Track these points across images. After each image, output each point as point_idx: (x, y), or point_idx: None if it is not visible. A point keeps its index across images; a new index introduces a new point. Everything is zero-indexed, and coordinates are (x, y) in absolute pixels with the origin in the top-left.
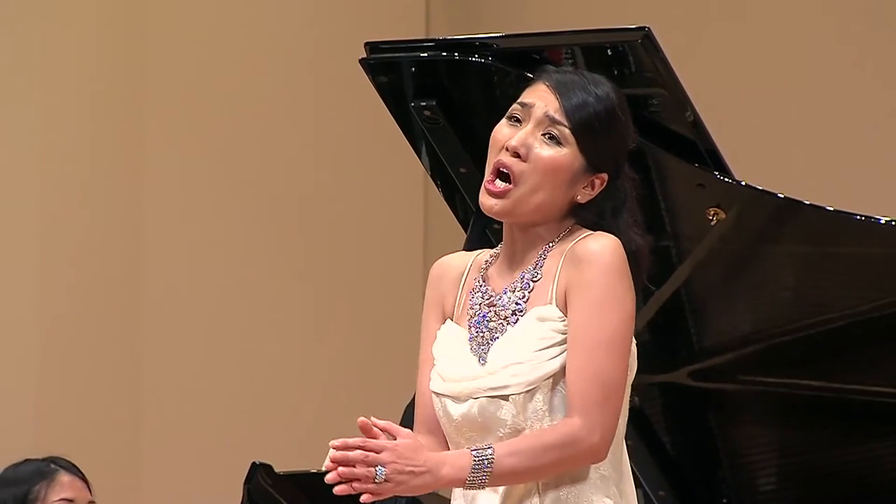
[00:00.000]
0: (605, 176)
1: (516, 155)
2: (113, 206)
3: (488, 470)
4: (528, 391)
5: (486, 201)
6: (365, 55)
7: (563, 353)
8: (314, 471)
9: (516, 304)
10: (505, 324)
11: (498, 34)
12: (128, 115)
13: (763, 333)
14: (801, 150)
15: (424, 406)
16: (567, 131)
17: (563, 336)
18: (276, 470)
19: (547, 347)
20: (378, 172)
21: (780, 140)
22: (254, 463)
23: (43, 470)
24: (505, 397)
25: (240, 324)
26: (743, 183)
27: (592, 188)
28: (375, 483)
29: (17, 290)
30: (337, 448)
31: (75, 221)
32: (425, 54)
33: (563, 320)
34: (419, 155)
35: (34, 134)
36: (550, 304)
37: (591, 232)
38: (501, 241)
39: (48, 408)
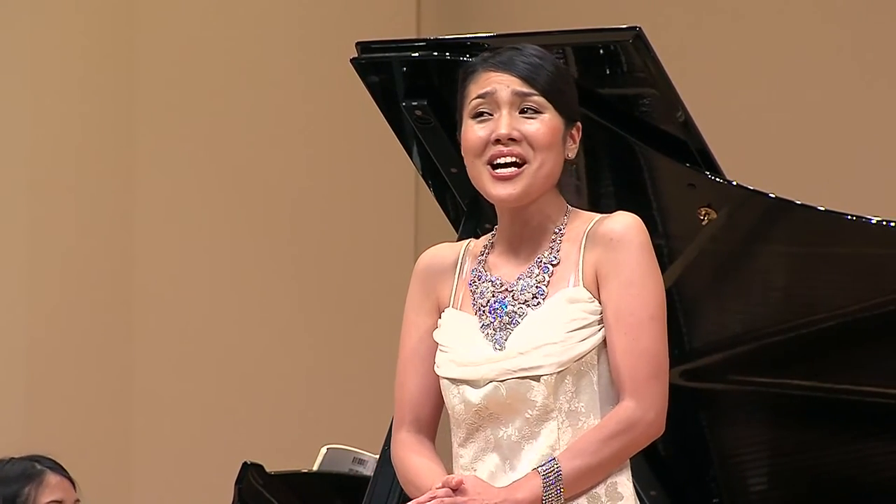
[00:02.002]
0: (579, 124)
1: (511, 140)
2: (102, 206)
3: (560, 480)
4: (559, 372)
5: (500, 191)
6: (356, 55)
7: (594, 334)
8: (305, 471)
9: (536, 287)
10: (525, 307)
11: (489, 34)
12: (117, 115)
13: (754, 333)
14: (791, 150)
15: (412, 403)
16: (540, 98)
17: (595, 318)
18: (267, 470)
19: (579, 329)
20: (369, 172)
21: (771, 140)
22: (245, 463)
23: (29, 471)
24: (536, 378)
25: (231, 324)
26: (734, 183)
27: (574, 141)
28: None
29: (7, 290)
30: None
31: (65, 219)
32: (416, 54)
33: (593, 301)
34: (410, 155)
35: (23, 134)
36: (578, 286)
37: (600, 215)
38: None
39: (37, 407)
